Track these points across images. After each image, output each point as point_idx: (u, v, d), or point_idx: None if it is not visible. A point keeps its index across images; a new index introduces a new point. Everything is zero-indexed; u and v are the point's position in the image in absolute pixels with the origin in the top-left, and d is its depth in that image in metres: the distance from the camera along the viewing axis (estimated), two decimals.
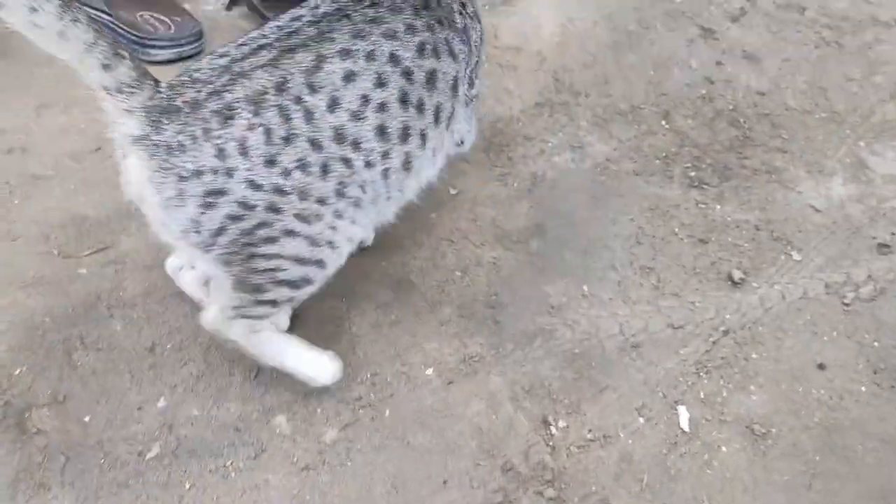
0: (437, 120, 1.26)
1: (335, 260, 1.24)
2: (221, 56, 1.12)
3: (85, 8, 1.04)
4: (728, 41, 2.19)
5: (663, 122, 1.97)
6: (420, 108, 1.21)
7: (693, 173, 1.86)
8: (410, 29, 1.18)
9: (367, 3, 1.17)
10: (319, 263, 1.21)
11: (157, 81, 1.10)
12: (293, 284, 1.21)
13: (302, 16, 1.16)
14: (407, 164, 1.24)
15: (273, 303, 1.24)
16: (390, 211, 1.33)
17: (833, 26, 2.26)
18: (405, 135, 1.20)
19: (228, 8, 2.20)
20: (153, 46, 1.95)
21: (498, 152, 1.87)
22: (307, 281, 1.22)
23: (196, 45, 1.99)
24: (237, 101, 1.07)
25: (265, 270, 1.17)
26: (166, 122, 1.06)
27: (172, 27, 1.99)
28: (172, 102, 1.07)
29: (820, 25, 2.27)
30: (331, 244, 1.20)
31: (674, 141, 1.93)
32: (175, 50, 1.96)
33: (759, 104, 2.02)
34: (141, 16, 2.00)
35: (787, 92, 2.05)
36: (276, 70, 1.09)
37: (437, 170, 1.37)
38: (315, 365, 1.36)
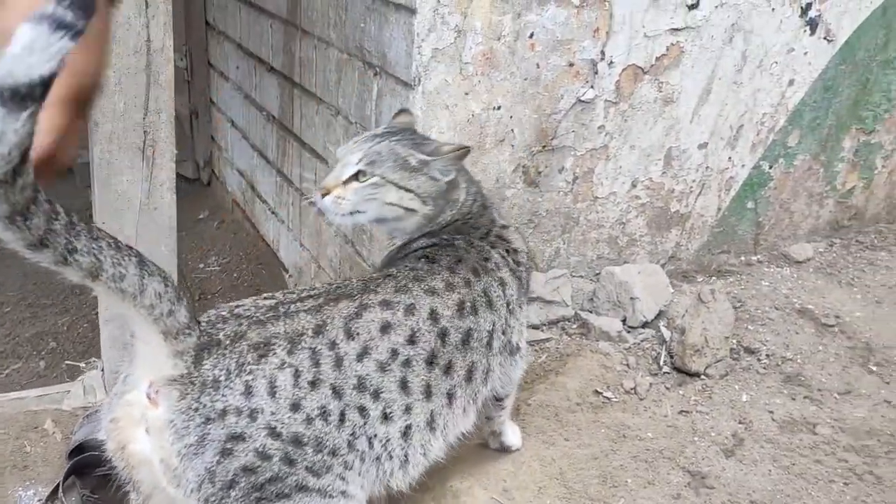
0: (469, 379, 1.24)
1: None
2: (267, 299, 1.15)
3: None
4: (728, 488, 1.54)
5: None
6: (448, 369, 1.20)
7: None
8: (449, 286, 1.22)
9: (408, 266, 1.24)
10: None
11: (199, 321, 1.08)
12: None
13: (350, 278, 1.24)
14: (431, 423, 1.19)
15: None
16: (408, 477, 1.21)
17: (858, 448, 1.66)
18: (428, 392, 1.18)
19: None
20: None
21: None
22: None
23: None
24: (276, 337, 1.07)
25: None
26: (206, 356, 1.04)
27: None
28: (214, 337, 1.06)
29: (841, 449, 1.66)
30: (344, 493, 1.12)
31: None
32: None
33: None
34: None
35: None
36: (319, 314, 1.12)
37: (471, 425, 1.31)
38: None
